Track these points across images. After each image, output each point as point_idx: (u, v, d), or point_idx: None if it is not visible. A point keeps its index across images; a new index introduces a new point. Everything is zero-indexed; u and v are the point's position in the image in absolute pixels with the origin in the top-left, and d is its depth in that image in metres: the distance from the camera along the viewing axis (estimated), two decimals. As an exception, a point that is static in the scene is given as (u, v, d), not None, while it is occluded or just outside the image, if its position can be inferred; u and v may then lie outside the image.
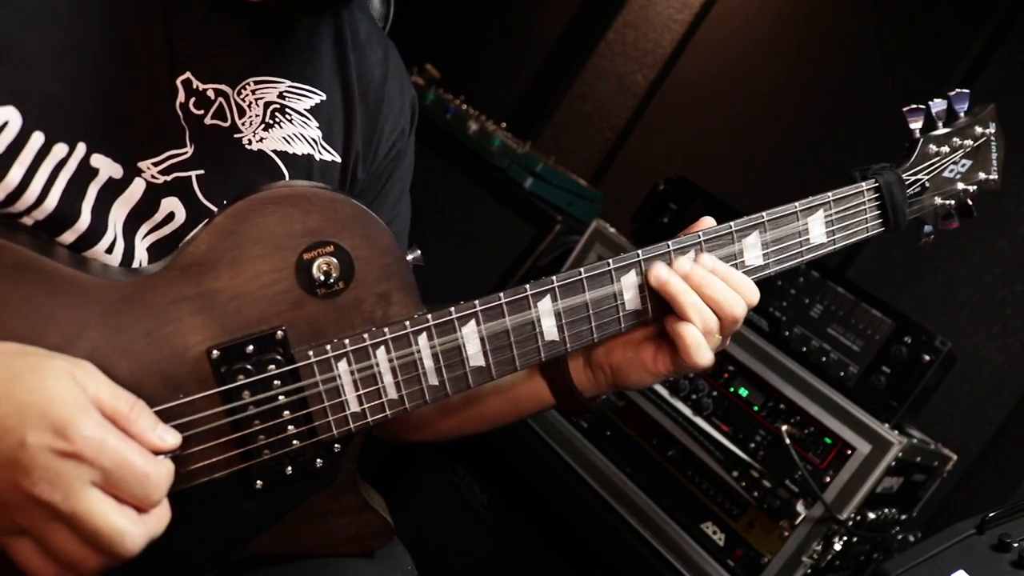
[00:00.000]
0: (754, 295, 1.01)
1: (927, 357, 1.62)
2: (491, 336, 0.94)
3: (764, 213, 1.03)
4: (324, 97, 1.07)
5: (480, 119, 2.55)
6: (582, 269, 0.96)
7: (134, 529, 0.75)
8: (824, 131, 2.53)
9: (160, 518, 0.78)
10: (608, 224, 2.00)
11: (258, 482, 0.92)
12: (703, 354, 0.99)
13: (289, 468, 0.93)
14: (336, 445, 0.96)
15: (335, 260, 0.91)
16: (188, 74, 0.94)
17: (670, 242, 1.00)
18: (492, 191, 2.39)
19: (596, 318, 0.98)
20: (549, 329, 0.96)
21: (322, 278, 0.90)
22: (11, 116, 0.83)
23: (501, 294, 0.94)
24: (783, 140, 2.62)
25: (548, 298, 0.95)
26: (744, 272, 1.03)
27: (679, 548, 1.74)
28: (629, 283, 0.98)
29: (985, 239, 2.19)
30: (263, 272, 0.88)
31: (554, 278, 0.95)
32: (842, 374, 1.70)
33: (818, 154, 2.47)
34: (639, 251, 0.98)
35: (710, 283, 0.98)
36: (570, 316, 0.97)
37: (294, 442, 0.92)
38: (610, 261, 0.97)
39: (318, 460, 0.95)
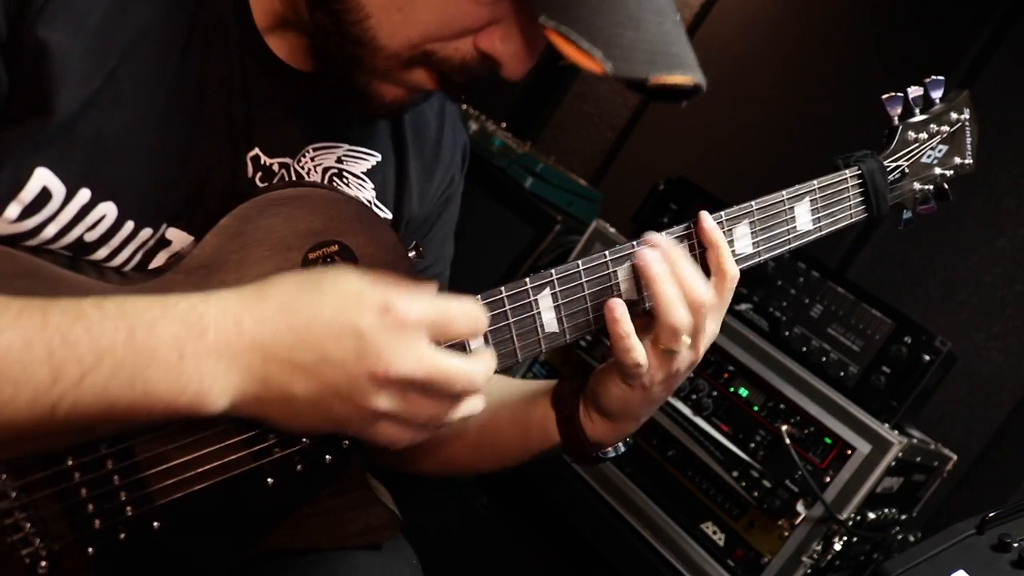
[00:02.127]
0: (703, 294, 0.96)
1: (927, 357, 1.62)
2: (493, 329, 0.95)
3: (753, 202, 1.04)
4: (380, 158, 1.07)
5: (480, 119, 2.55)
6: (579, 261, 0.97)
7: (479, 366, 0.84)
8: (824, 131, 2.53)
9: (484, 355, 0.88)
10: (608, 224, 2.00)
11: (269, 479, 0.93)
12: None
13: (299, 465, 0.94)
14: (344, 441, 0.96)
15: (340, 259, 0.91)
16: (256, 150, 0.94)
17: (664, 233, 1.01)
18: (492, 191, 2.39)
19: (594, 309, 0.98)
20: (549, 321, 0.97)
21: None
22: (109, 210, 0.84)
23: (502, 288, 0.95)
24: (783, 140, 2.62)
25: (548, 290, 0.96)
26: (736, 260, 1.03)
27: (679, 548, 1.74)
28: (624, 274, 0.99)
29: (985, 239, 2.20)
30: (269, 272, 0.87)
31: (553, 271, 0.96)
32: (842, 374, 1.70)
33: (818, 154, 2.46)
34: (634, 242, 0.99)
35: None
36: (569, 308, 0.98)
37: (303, 440, 0.93)
38: (607, 252, 0.98)
39: (327, 456, 0.95)
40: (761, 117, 2.70)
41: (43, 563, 0.83)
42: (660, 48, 0.78)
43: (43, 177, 0.79)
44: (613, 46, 0.75)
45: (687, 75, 0.79)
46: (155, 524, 0.88)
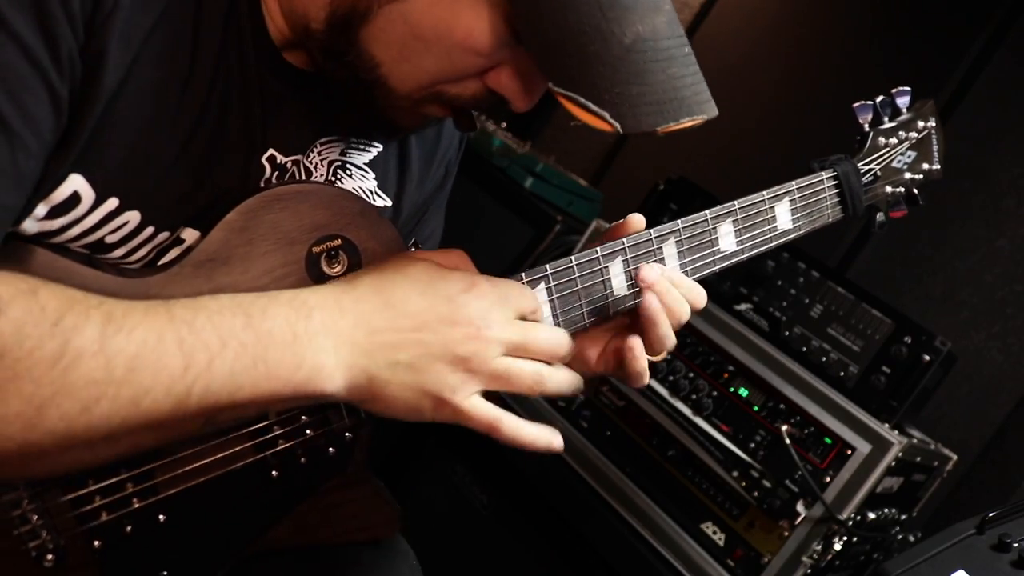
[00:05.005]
0: (701, 300, 1.01)
1: (927, 357, 1.62)
2: None
3: (736, 202, 1.08)
4: (381, 148, 1.09)
5: (480, 119, 2.54)
6: (572, 257, 0.99)
7: (561, 333, 0.93)
8: (824, 132, 2.53)
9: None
10: (608, 224, 1.99)
11: (273, 472, 0.94)
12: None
13: (303, 458, 0.95)
14: (348, 433, 0.98)
15: (343, 253, 0.93)
16: (272, 151, 0.96)
17: (652, 231, 1.02)
18: (492, 191, 2.39)
19: (588, 304, 1.00)
20: (545, 315, 0.98)
21: (331, 271, 0.92)
22: (133, 217, 0.87)
23: None
24: (783, 140, 2.62)
25: (542, 285, 0.97)
26: (720, 257, 1.06)
27: (679, 548, 1.74)
28: (616, 270, 1.00)
29: (985, 239, 2.20)
30: (274, 266, 0.90)
31: (547, 266, 0.98)
32: (842, 374, 1.70)
33: (818, 154, 2.47)
34: (624, 239, 1.01)
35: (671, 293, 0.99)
36: (564, 303, 0.99)
37: (307, 431, 0.94)
38: (598, 248, 1.00)
39: (330, 448, 0.97)
40: (761, 117, 2.70)
41: (49, 556, 0.84)
42: (667, 96, 0.83)
43: (76, 183, 0.82)
44: (620, 104, 0.80)
45: (695, 117, 0.85)
46: (160, 517, 0.89)
